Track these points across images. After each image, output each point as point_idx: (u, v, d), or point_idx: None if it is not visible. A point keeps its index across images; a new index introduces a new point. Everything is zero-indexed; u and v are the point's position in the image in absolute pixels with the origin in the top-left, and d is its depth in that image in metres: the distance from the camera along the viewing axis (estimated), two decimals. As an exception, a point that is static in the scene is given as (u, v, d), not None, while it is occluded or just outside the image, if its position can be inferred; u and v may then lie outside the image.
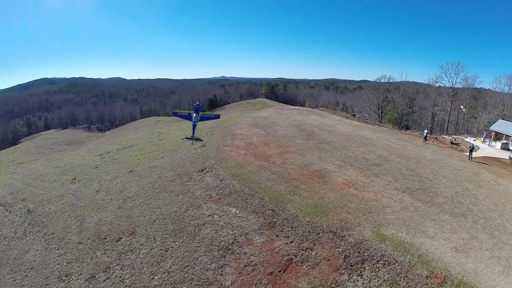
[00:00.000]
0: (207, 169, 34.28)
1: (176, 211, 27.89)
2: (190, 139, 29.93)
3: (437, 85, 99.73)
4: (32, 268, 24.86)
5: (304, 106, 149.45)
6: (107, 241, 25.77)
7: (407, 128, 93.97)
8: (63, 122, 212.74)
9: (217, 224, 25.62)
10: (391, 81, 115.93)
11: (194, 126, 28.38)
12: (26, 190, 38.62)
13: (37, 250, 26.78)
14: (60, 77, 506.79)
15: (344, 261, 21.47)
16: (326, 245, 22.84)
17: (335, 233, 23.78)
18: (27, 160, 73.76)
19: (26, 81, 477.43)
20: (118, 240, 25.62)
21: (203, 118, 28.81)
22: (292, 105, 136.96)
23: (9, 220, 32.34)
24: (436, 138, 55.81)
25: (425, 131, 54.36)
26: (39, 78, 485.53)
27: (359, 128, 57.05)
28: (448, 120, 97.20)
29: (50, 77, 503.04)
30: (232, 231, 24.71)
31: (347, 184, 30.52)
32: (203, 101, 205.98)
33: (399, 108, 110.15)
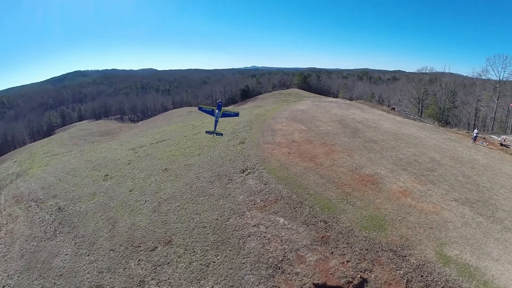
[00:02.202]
0: (249, 170, 31.97)
1: (217, 219, 25.54)
2: (212, 132, 28.98)
3: (482, 78, 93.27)
4: (61, 275, 23.48)
5: (337, 97, 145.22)
6: (141, 250, 23.84)
7: (446, 123, 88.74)
8: (96, 113, 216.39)
9: (264, 237, 22.95)
10: (433, 71, 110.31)
11: (216, 122, 27.66)
12: (57, 185, 37.92)
13: (66, 255, 25.46)
14: (92, 69, 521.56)
15: (406, 286, 18.63)
16: (386, 267, 19.93)
17: (395, 252, 20.86)
18: (61, 151, 74.00)
19: (59, 74, 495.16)
20: (153, 250, 23.61)
21: (224, 115, 27.80)
22: (326, 96, 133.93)
23: (39, 218, 31.61)
24: (484, 138, 51.40)
25: (475, 131, 50.11)
26: (72, 71, 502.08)
27: (404, 124, 53.64)
28: (494, 117, 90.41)
29: (83, 69, 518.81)
30: (281, 245, 21.98)
31: (403, 193, 27.42)
32: (236, 91, 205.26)
33: (440, 102, 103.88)
